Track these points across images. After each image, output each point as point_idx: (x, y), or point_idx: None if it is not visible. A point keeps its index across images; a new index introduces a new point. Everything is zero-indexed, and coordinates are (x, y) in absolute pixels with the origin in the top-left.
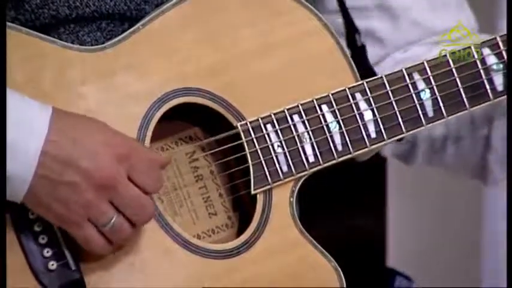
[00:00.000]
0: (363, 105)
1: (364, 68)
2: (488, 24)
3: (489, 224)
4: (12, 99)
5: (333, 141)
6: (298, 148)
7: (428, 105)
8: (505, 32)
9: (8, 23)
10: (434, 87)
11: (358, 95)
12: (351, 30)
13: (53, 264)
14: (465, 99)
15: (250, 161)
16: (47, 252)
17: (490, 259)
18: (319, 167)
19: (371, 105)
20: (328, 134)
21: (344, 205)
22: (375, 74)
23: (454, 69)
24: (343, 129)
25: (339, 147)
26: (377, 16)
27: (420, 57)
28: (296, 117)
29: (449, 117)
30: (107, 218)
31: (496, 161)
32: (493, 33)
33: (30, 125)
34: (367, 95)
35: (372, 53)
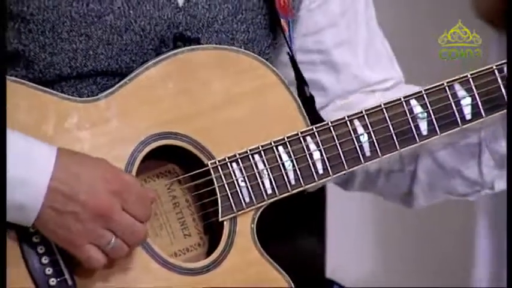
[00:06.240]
0: (312, 146)
1: (313, 115)
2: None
3: (431, 238)
4: (23, 141)
5: (288, 177)
6: (258, 183)
7: (366, 147)
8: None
9: (18, 79)
10: (371, 132)
11: (308, 138)
12: (301, 82)
13: (53, 281)
14: (396, 142)
15: (218, 193)
16: (48, 270)
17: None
18: (276, 198)
19: (319, 146)
20: (283, 171)
21: (289, 227)
22: (322, 120)
23: (387, 117)
24: (296, 167)
25: (293, 182)
26: (323, 70)
27: (358, 104)
28: (257, 157)
29: (383, 157)
30: (105, 241)
31: (421, 190)
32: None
33: (38, 163)
34: (315, 138)
35: (317, 100)
